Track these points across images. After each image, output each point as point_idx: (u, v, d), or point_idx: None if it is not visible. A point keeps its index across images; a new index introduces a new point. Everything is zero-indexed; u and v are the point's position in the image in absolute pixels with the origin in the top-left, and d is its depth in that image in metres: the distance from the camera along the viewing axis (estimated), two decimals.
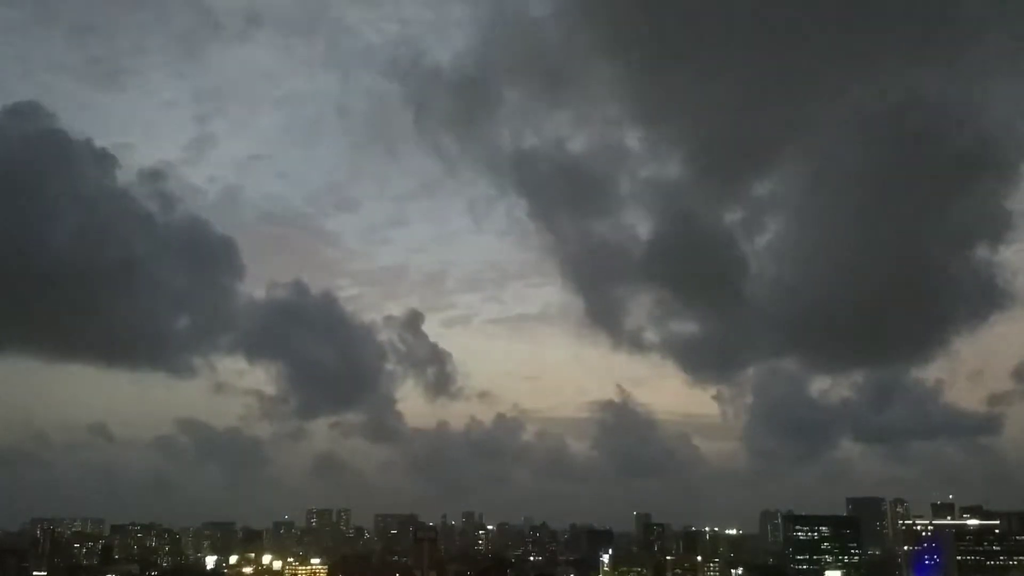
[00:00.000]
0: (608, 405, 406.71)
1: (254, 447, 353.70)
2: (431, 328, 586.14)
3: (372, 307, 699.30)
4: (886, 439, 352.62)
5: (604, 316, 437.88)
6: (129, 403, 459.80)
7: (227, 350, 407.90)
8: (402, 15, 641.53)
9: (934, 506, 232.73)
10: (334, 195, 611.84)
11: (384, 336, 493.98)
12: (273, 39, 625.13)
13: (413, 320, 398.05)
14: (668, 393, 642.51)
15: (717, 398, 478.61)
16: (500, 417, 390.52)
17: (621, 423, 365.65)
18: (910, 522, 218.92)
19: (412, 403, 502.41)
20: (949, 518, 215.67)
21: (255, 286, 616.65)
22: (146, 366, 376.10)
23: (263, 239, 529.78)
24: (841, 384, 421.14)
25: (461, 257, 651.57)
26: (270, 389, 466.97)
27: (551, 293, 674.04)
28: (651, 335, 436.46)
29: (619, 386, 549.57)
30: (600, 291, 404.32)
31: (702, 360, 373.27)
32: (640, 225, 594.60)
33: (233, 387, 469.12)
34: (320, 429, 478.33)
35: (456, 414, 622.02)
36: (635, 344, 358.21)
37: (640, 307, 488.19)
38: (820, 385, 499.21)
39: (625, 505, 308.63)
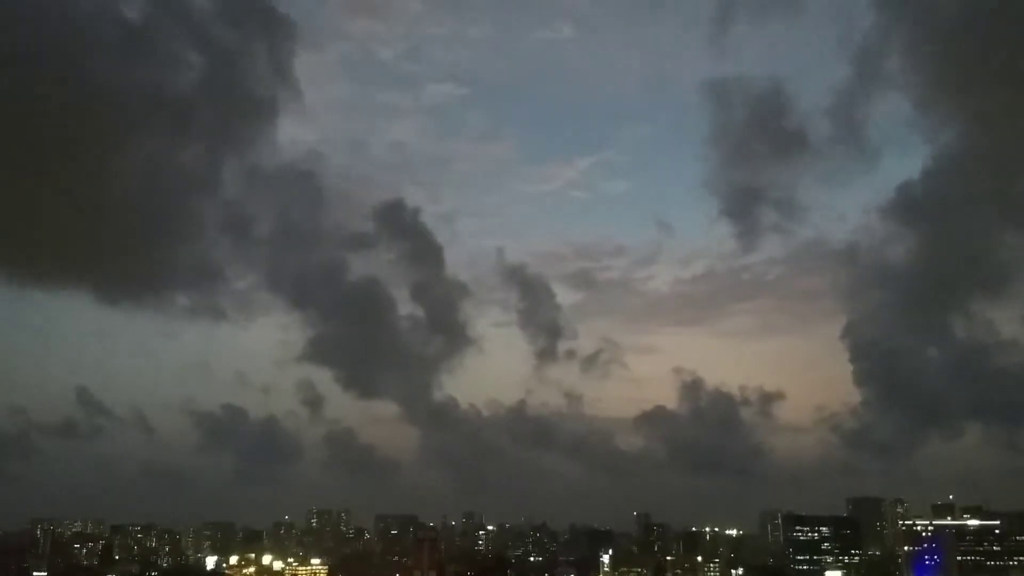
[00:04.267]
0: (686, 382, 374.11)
1: (261, 434, 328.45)
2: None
3: None
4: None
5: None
6: (118, 360, 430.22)
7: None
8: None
9: (934, 506, 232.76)
10: None
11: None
12: None
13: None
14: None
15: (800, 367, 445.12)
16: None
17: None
18: (910, 522, 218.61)
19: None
20: (949, 518, 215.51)
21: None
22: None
23: None
24: None
25: None
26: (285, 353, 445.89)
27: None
28: None
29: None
30: None
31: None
32: None
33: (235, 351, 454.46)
34: (332, 415, 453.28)
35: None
36: None
37: None
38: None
39: (626, 505, 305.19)
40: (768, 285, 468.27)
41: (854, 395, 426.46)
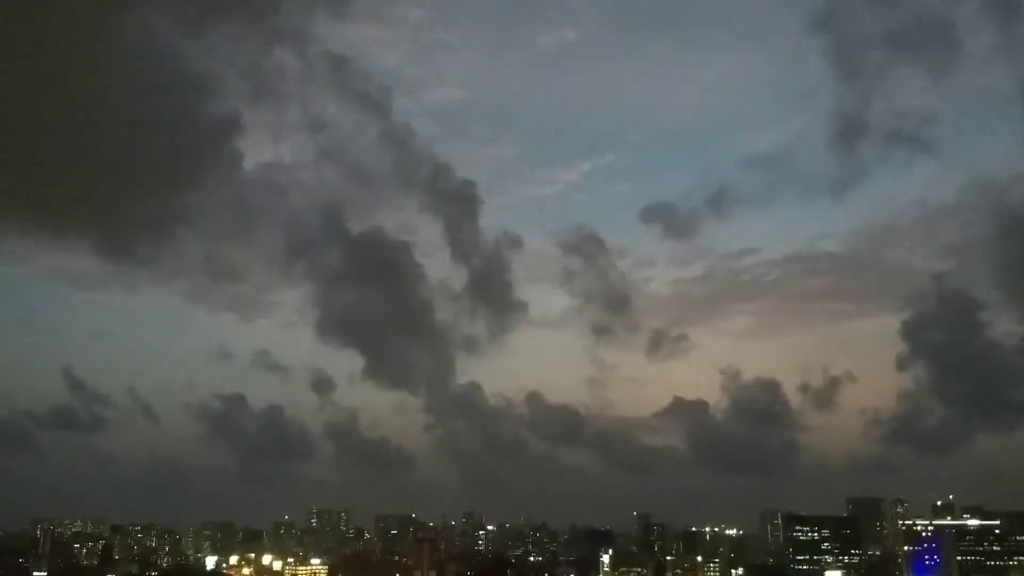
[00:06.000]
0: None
1: (264, 429, 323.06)
2: None
3: None
4: None
5: None
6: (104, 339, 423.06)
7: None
8: None
9: (934, 506, 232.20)
10: None
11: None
12: None
13: None
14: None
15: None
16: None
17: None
18: (910, 522, 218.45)
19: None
20: (949, 518, 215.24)
21: None
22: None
23: None
24: None
25: None
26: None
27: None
28: None
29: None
30: None
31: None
32: None
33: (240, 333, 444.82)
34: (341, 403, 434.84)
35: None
36: None
37: None
38: None
39: (627, 505, 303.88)
40: (768, 284, 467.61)
41: (872, 393, 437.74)
